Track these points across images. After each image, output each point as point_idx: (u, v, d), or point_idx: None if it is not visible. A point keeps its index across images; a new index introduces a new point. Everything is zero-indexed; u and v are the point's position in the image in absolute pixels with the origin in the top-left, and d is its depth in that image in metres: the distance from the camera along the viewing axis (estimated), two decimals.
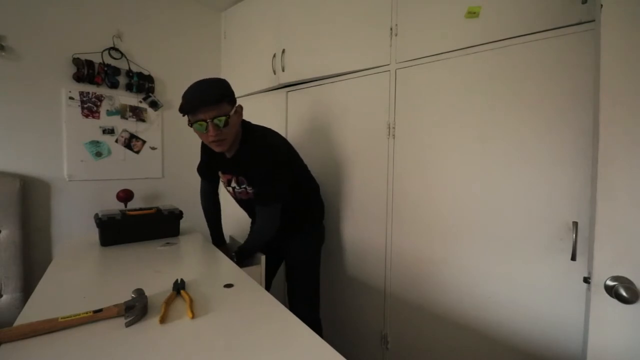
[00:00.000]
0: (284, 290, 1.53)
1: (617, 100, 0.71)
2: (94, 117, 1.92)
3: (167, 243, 1.36)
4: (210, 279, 1.00)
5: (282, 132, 1.78)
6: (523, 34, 1.06)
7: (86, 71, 1.85)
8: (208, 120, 1.06)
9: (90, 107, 1.90)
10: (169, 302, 0.80)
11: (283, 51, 1.85)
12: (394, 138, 1.41)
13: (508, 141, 1.10)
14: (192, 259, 1.26)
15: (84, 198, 1.91)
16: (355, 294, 1.62)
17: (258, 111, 1.94)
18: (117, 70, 1.97)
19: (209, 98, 1.06)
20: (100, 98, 1.93)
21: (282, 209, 1.26)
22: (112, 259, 1.18)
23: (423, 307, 1.34)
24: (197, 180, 1.53)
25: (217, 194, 1.52)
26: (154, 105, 2.12)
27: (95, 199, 1.93)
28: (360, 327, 1.60)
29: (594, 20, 0.89)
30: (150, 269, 1.06)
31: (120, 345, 0.64)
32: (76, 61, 1.82)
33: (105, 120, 1.96)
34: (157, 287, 0.90)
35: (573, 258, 0.95)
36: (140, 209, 1.42)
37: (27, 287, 1.64)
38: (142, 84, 2.06)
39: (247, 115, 1.30)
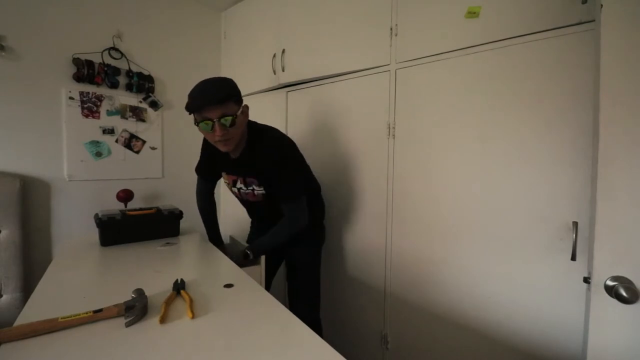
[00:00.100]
0: (284, 290, 1.53)
1: (617, 100, 0.71)
2: (94, 117, 1.92)
3: (167, 243, 1.36)
4: (210, 279, 1.00)
5: None
6: (523, 34, 1.06)
7: (86, 71, 1.85)
8: (215, 120, 1.06)
9: (90, 107, 1.90)
10: (169, 302, 0.80)
11: (283, 51, 1.85)
12: (394, 138, 1.41)
13: (508, 141, 1.11)
14: (192, 259, 1.26)
15: (84, 198, 1.91)
16: (355, 294, 1.62)
17: (258, 111, 1.94)
18: (117, 70, 1.97)
19: (216, 97, 1.05)
20: (100, 98, 1.93)
21: (282, 209, 1.26)
22: (112, 259, 1.18)
23: (423, 307, 1.34)
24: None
25: (213, 194, 1.52)
26: (154, 105, 2.12)
27: (95, 199, 1.93)
28: (360, 327, 1.60)
29: (594, 20, 0.89)
30: (150, 269, 1.06)
31: (120, 345, 0.64)
32: (76, 61, 1.82)
33: (105, 120, 1.96)
34: (157, 287, 0.89)
35: (573, 258, 0.95)
36: (140, 209, 1.42)
37: (27, 287, 1.64)
38: (142, 84, 2.06)
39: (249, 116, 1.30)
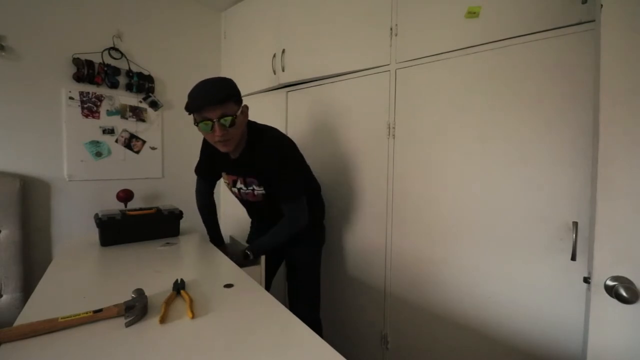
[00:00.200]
0: (284, 290, 1.53)
1: (617, 100, 0.71)
2: (94, 117, 1.92)
3: (167, 243, 1.36)
4: (210, 279, 1.00)
5: None
6: (523, 34, 1.06)
7: (86, 71, 1.85)
8: (214, 120, 1.06)
9: (90, 107, 1.90)
10: (169, 302, 0.80)
11: (283, 51, 1.85)
12: (394, 138, 1.41)
13: (508, 141, 1.11)
14: (192, 259, 1.26)
15: (84, 198, 1.91)
16: (356, 294, 1.62)
17: (258, 111, 1.94)
18: (117, 70, 1.97)
19: (216, 97, 1.05)
20: (100, 98, 1.93)
21: (282, 209, 1.26)
22: (112, 259, 1.18)
23: (423, 307, 1.34)
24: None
25: (213, 194, 1.52)
26: (154, 105, 2.12)
27: (95, 199, 1.93)
28: (360, 327, 1.60)
29: (594, 20, 0.89)
30: (150, 269, 1.06)
31: (120, 345, 0.64)
32: (76, 61, 1.82)
33: (105, 120, 1.96)
34: (157, 287, 0.89)
35: (573, 258, 0.95)
36: (140, 209, 1.42)
37: (27, 287, 1.64)
38: (142, 84, 2.06)
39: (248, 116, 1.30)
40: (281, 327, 0.73)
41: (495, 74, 1.13)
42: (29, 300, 0.82)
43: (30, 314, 0.74)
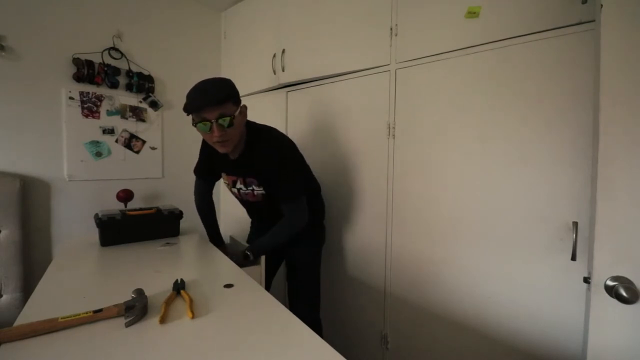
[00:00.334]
0: (284, 290, 1.53)
1: (617, 100, 0.71)
2: (94, 117, 1.92)
3: (167, 243, 1.36)
4: (210, 279, 1.00)
5: None
6: (523, 34, 1.06)
7: (86, 71, 1.85)
8: (212, 121, 1.05)
9: (90, 107, 1.90)
10: (169, 302, 0.80)
11: (283, 51, 1.85)
12: (394, 138, 1.41)
13: (508, 141, 1.11)
14: (192, 259, 1.26)
15: (84, 198, 1.91)
16: (356, 294, 1.62)
17: (258, 111, 1.94)
18: (117, 70, 1.97)
19: (214, 98, 1.05)
20: (100, 98, 1.93)
21: (282, 209, 1.26)
22: (112, 259, 1.18)
23: (423, 307, 1.34)
24: None
25: (212, 194, 1.52)
26: (154, 105, 2.12)
27: (95, 199, 1.93)
28: (360, 327, 1.60)
29: (594, 20, 0.89)
30: (150, 269, 1.06)
31: (120, 345, 0.64)
32: (76, 61, 1.82)
33: (105, 120, 1.96)
34: (157, 287, 0.89)
35: (573, 258, 0.95)
36: (140, 209, 1.42)
37: (27, 287, 1.64)
38: (142, 84, 2.06)
39: (247, 116, 1.30)
40: (281, 327, 0.73)
41: (495, 74, 1.13)
42: (29, 300, 0.82)
43: (30, 314, 0.74)
